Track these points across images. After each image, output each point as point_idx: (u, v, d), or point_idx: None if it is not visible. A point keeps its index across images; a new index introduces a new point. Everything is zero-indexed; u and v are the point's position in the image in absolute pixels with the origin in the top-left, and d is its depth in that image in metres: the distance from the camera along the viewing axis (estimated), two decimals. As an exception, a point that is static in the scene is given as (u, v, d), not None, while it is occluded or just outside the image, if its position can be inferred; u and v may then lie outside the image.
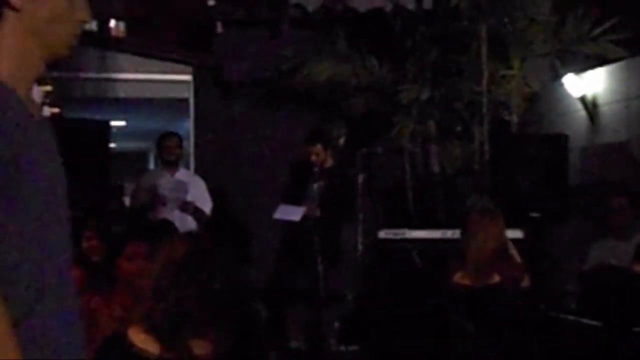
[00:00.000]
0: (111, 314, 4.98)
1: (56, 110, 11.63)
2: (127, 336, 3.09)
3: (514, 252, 6.59)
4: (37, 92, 11.47)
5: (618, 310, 5.34)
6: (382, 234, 8.94)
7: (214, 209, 9.57)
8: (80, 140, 8.44)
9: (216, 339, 3.09)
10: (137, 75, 12.39)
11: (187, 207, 9.27)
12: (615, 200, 8.38)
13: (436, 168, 10.22)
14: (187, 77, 12.35)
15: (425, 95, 9.82)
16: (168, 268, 3.10)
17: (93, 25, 11.27)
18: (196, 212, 9.31)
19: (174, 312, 3.04)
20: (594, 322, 5.19)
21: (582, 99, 10.49)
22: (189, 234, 3.81)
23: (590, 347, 5.24)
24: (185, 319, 3.05)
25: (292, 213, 9.22)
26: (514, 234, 7.68)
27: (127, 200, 11.97)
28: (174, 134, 9.79)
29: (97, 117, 11.31)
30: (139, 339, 3.07)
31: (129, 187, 11.64)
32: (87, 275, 5.49)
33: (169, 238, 3.39)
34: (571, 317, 5.46)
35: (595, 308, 5.52)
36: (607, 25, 9.20)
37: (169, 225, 6.91)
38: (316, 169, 9.31)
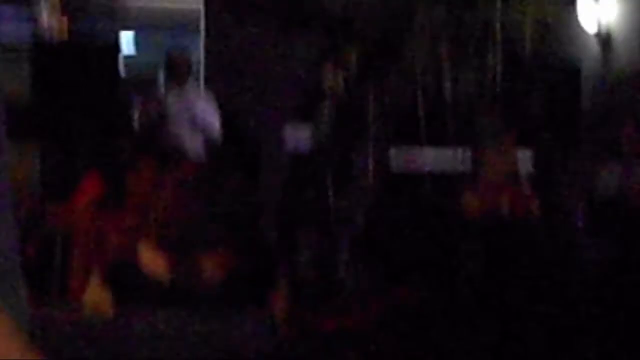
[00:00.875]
0: (120, 229, 4.98)
1: (64, 19, 11.55)
2: (137, 256, 3.10)
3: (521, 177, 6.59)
4: (46, 1, 11.38)
5: (629, 236, 5.36)
6: (393, 153, 8.91)
7: (222, 126, 9.54)
8: (89, 68, 8.43)
9: (225, 257, 3.10)
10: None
11: (198, 122, 9.24)
12: (625, 128, 8.37)
13: (449, 90, 10.16)
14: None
15: (440, 13, 9.74)
16: (178, 187, 3.10)
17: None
18: (205, 128, 9.28)
19: (183, 230, 3.05)
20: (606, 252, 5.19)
21: (597, 25, 10.40)
22: (198, 154, 3.80)
23: (602, 276, 5.26)
24: (193, 236, 3.05)
25: (302, 137, 9.20)
26: (525, 155, 7.65)
27: (135, 114, 11.95)
28: (183, 50, 9.72)
29: (106, 29, 11.23)
30: (149, 257, 3.07)
31: (137, 102, 11.58)
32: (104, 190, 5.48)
33: (178, 157, 3.39)
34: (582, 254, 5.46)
35: (606, 234, 5.53)
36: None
37: (178, 142, 6.90)
38: (327, 89, 9.26)
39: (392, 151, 8.89)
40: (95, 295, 3.11)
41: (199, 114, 9.34)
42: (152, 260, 3.07)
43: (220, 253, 3.09)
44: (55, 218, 5.59)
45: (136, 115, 10.96)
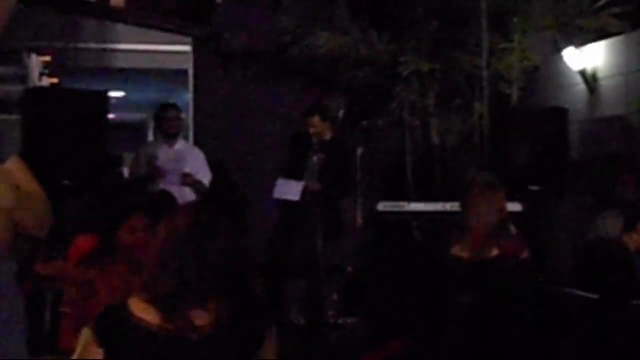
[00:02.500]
0: (111, 285, 4.99)
1: (55, 80, 11.61)
2: (127, 307, 3.11)
3: (511, 225, 6.59)
4: (37, 63, 11.46)
5: (611, 283, 5.37)
6: (381, 206, 8.92)
7: (213, 182, 9.57)
8: (78, 111, 8.42)
9: (216, 310, 3.11)
10: (136, 46, 12.37)
11: (187, 179, 9.27)
12: (624, 176, 8.40)
13: (436, 141, 10.20)
14: (187, 48, 12.34)
15: (425, 68, 9.78)
16: (170, 239, 3.12)
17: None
18: (196, 184, 9.31)
19: (175, 282, 3.06)
20: (591, 295, 5.20)
21: (582, 73, 10.48)
22: (190, 205, 3.82)
23: (587, 320, 5.26)
24: (186, 289, 3.06)
25: (291, 191, 9.21)
26: (514, 207, 7.68)
27: (125, 172, 11.96)
28: (173, 106, 9.78)
29: (96, 87, 11.28)
30: (140, 309, 3.08)
31: (127, 158, 11.62)
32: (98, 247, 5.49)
33: (169, 210, 3.40)
34: (568, 290, 5.48)
35: (590, 281, 5.54)
36: (608, -1, 9.19)
37: (169, 196, 6.91)
38: (315, 142, 9.29)
39: (381, 202, 8.89)
40: (86, 351, 3.11)
41: (189, 170, 9.37)
42: (143, 312, 3.08)
43: (211, 306, 3.10)
44: (45, 272, 5.60)
45: (127, 171, 10.98)
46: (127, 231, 5.28)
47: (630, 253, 5.60)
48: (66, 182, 7.52)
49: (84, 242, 5.80)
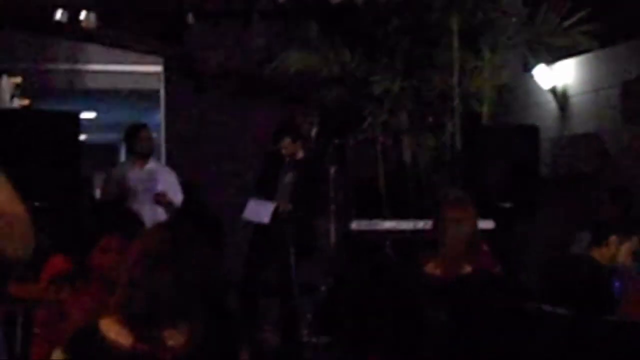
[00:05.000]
0: (83, 306, 4.96)
1: (26, 102, 11.57)
2: (99, 328, 3.09)
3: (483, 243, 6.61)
4: (7, 84, 11.42)
5: (581, 298, 5.38)
6: (355, 225, 8.93)
7: (185, 201, 9.56)
8: (50, 132, 8.39)
9: (190, 330, 3.09)
10: (107, 67, 12.35)
11: (160, 199, 9.25)
12: (598, 193, 8.46)
13: (408, 159, 10.22)
14: (158, 69, 12.32)
15: (397, 86, 9.81)
16: (142, 259, 3.11)
17: (64, 17, 11.19)
18: (168, 204, 9.29)
19: (148, 302, 3.05)
20: (563, 311, 5.20)
21: (553, 90, 10.54)
22: (162, 224, 3.80)
23: (560, 336, 5.26)
24: (159, 309, 3.05)
25: (262, 212, 9.20)
26: (486, 224, 7.70)
27: (97, 193, 11.92)
28: (144, 126, 9.76)
29: (67, 108, 11.25)
30: (112, 330, 3.06)
31: (98, 179, 11.59)
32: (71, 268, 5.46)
33: (141, 229, 3.40)
34: (540, 306, 5.48)
35: (562, 296, 5.55)
36: (577, 17, 9.24)
37: (139, 217, 6.88)
38: (287, 161, 9.30)
39: (354, 220, 8.90)
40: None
41: (161, 189, 9.36)
42: (115, 333, 3.06)
43: (185, 326, 3.08)
44: (18, 293, 5.57)
45: (98, 192, 10.95)
46: (99, 252, 5.25)
47: (602, 268, 5.62)
48: (37, 203, 7.47)
49: (56, 263, 5.76)
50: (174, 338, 3.08)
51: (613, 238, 5.93)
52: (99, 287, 4.95)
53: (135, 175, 9.40)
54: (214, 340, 3.17)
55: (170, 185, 9.51)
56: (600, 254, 5.87)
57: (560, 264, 5.12)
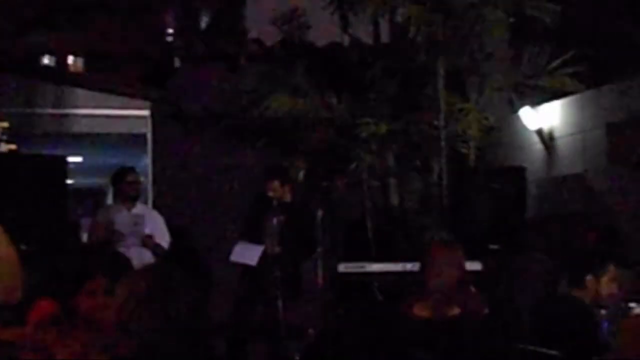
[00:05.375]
0: (70, 349, 4.92)
1: (13, 146, 11.56)
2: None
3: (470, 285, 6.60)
4: (-6, 128, 11.41)
5: (569, 338, 5.37)
6: (342, 267, 8.92)
7: (172, 244, 9.54)
8: (37, 176, 8.39)
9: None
10: (94, 111, 12.36)
11: (147, 242, 9.23)
12: (584, 232, 8.46)
13: (395, 201, 10.22)
14: (145, 112, 12.34)
15: (383, 129, 9.82)
16: (129, 301, 3.09)
17: (51, 61, 11.22)
18: (155, 247, 9.27)
19: (134, 344, 3.03)
20: (552, 352, 5.19)
21: (539, 132, 10.60)
22: (149, 266, 3.79)
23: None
24: (145, 350, 3.03)
25: (249, 255, 9.20)
26: (473, 266, 7.70)
27: (84, 236, 11.88)
28: (132, 169, 9.76)
29: (54, 152, 11.25)
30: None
31: (85, 223, 11.55)
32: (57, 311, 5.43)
33: (128, 272, 3.38)
34: (531, 347, 5.47)
35: (550, 337, 5.54)
36: (563, 59, 9.29)
37: (126, 259, 6.86)
38: (275, 204, 9.29)
39: (341, 263, 8.89)
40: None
41: (148, 232, 9.34)
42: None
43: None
44: (3, 337, 5.53)
45: (85, 236, 10.91)
46: (86, 295, 5.22)
47: (587, 309, 5.62)
48: (23, 246, 7.44)
49: (43, 307, 5.73)
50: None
51: (589, 279, 5.91)
52: (85, 330, 4.92)
53: (122, 218, 9.38)
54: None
55: (157, 228, 9.50)
56: (583, 295, 5.86)
57: (548, 306, 5.12)
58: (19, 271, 2.91)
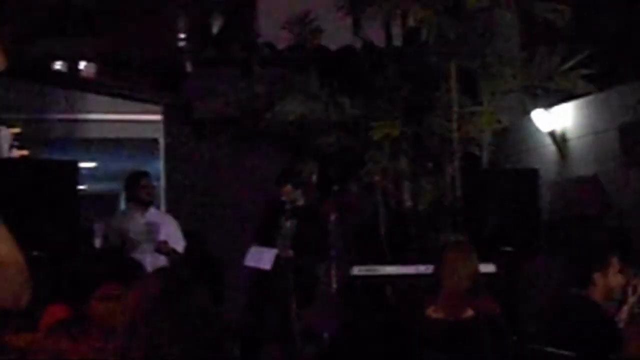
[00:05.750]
0: (82, 355, 4.92)
1: (25, 152, 11.57)
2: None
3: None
4: (6, 134, 11.43)
5: (582, 339, 5.36)
6: (355, 270, 8.91)
7: (186, 249, 9.52)
8: (49, 182, 8.39)
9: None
10: (106, 116, 12.37)
11: (162, 247, 9.21)
12: (598, 236, 8.42)
13: (408, 204, 10.21)
14: (157, 117, 12.35)
15: (396, 131, 9.80)
16: (141, 304, 3.08)
17: (63, 67, 11.24)
18: (170, 252, 9.25)
19: (147, 349, 3.02)
20: (567, 353, 5.18)
21: (552, 134, 10.57)
22: (161, 270, 3.79)
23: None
24: (158, 355, 3.02)
25: (263, 259, 9.20)
26: (487, 268, 7.69)
27: (97, 242, 11.89)
28: (145, 173, 9.75)
29: (67, 158, 11.26)
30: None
31: (98, 228, 11.56)
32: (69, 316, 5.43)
33: (140, 276, 3.38)
34: (544, 348, 5.45)
35: (565, 338, 5.52)
36: (575, 60, 9.26)
37: (139, 265, 6.85)
38: (288, 208, 9.29)
39: (355, 266, 8.88)
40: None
41: (162, 238, 9.33)
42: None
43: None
44: (16, 343, 5.53)
45: (98, 242, 10.92)
46: (99, 300, 5.22)
47: (600, 308, 5.60)
48: (35, 252, 7.46)
49: (55, 312, 5.73)
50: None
51: (596, 275, 5.86)
52: (97, 335, 4.92)
53: (136, 224, 9.37)
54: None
55: (172, 233, 9.48)
56: (593, 293, 5.82)
57: (557, 307, 5.09)
58: (27, 277, 2.90)
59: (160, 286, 3.13)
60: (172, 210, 11.06)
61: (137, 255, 8.71)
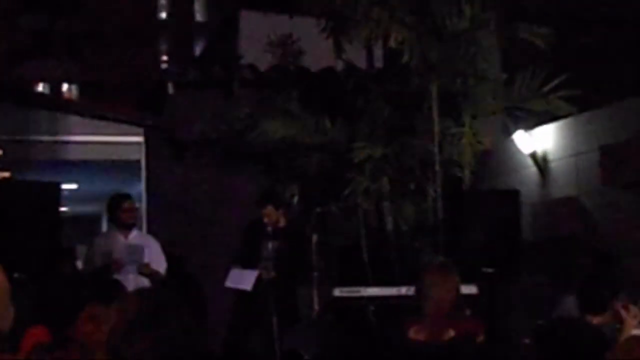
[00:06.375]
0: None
1: (6, 174, 11.55)
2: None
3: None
4: (-12, 156, 11.41)
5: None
6: (337, 292, 8.91)
7: (167, 271, 9.51)
8: (31, 203, 8.37)
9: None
10: (88, 137, 12.35)
11: (145, 269, 9.20)
12: (579, 258, 8.47)
13: (390, 226, 10.21)
14: (139, 139, 12.33)
15: (378, 153, 9.82)
16: (121, 325, 3.08)
17: (45, 89, 11.24)
18: (152, 274, 9.23)
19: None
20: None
21: (533, 155, 10.60)
22: (140, 290, 3.77)
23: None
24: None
25: (244, 280, 9.18)
26: (469, 289, 7.70)
27: (79, 264, 11.85)
28: (128, 196, 9.74)
29: (48, 180, 11.23)
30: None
31: (80, 250, 11.53)
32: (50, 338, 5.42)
33: (120, 296, 3.37)
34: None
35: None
36: (556, 82, 9.30)
37: (122, 287, 6.85)
38: (269, 229, 9.28)
39: (337, 287, 8.89)
40: None
41: (145, 260, 9.31)
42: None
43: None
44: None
45: (80, 264, 10.88)
46: (83, 321, 5.22)
47: (604, 335, 5.61)
48: (16, 274, 7.43)
49: (36, 334, 5.72)
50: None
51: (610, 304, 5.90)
52: (78, 357, 4.91)
53: (119, 246, 9.35)
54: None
55: (154, 255, 9.47)
56: (601, 320, 5.86)
57: (558, 330, 5.09)
58: (8, 299, 2.90)
59: (138, 307, 3.12)
60: (154, 231, 11.03)
61: (120, 277, 8.70)
